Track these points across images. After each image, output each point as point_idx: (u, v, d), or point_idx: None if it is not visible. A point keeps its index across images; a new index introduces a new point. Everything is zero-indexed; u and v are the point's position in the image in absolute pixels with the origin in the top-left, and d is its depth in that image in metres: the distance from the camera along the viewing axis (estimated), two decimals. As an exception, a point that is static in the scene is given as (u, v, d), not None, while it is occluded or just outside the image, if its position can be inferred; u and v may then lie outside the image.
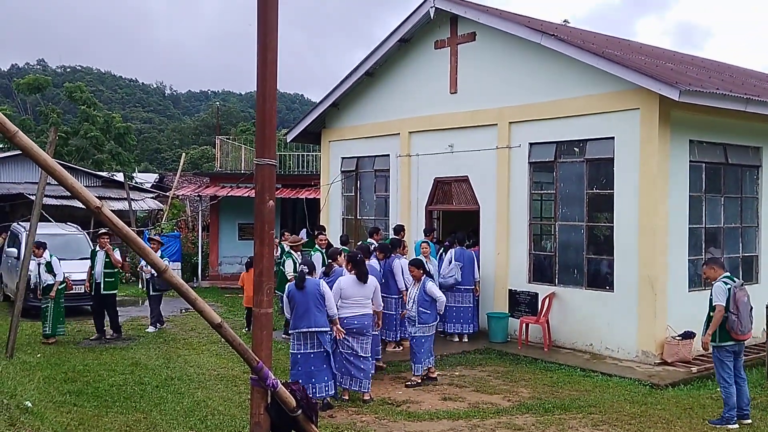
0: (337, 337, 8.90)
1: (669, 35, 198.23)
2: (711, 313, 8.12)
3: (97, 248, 13.16)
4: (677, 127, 11.23)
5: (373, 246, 11.65)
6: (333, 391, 8.73)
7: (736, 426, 7.95)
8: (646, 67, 11.53)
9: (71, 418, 7.53)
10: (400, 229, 13.54)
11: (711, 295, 8.14)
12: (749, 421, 8.08)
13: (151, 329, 13.62)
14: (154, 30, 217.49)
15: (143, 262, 14.49)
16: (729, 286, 8.02)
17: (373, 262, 10.70)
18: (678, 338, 10.88)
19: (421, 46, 14.83)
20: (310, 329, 8.55)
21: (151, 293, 13.88)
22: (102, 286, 12.89)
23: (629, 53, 13.51)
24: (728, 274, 8.28)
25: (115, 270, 13.16)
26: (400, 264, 11.52)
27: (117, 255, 13.16)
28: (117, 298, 13.48)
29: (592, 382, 10.08)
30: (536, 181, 13.10)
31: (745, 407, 8.16)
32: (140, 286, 14.24)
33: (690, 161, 11.63)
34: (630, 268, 11.24)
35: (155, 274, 13.50)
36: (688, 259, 11.61)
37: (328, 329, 8.70)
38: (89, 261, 13.37)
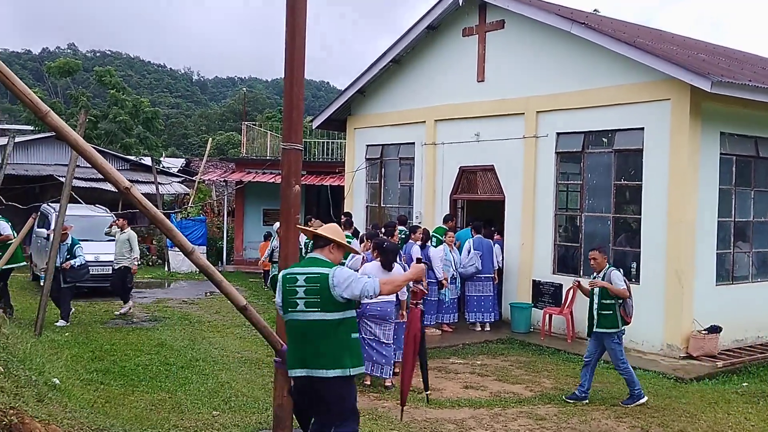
0: None
1: (699, 26, 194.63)
2: (605, 301, 8.40)
3: None
4: (708, 118, 11.05)
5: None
6: None
7: (645, 399, 8.35)
8: (677, 58, 11.34)
9: (98, 395, 7.65)
10: (448, 218, 13.42)
11: (609, 280, 8.37)
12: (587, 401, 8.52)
13: (61, 323, 12.41)
14: (183, 16, 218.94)
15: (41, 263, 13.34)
16: (621, 273, 8.54)
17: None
18: (704, 332, 10.76)
19: (449, 33, 14.73)
20: None
21: (62, 286, 12.57)
22: None
23: (660, 43, 13.30)
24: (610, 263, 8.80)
25: None
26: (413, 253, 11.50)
27: None
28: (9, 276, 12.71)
29: (615, 374, 9.98)
30: (563, 171, 12.99)
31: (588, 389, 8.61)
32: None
33: (720, 154, 11.43)
34: (657, 260, 11.12)
35: (68, 267, 12.51)
36: (716, 253, 11.45)
37: None
38: None
